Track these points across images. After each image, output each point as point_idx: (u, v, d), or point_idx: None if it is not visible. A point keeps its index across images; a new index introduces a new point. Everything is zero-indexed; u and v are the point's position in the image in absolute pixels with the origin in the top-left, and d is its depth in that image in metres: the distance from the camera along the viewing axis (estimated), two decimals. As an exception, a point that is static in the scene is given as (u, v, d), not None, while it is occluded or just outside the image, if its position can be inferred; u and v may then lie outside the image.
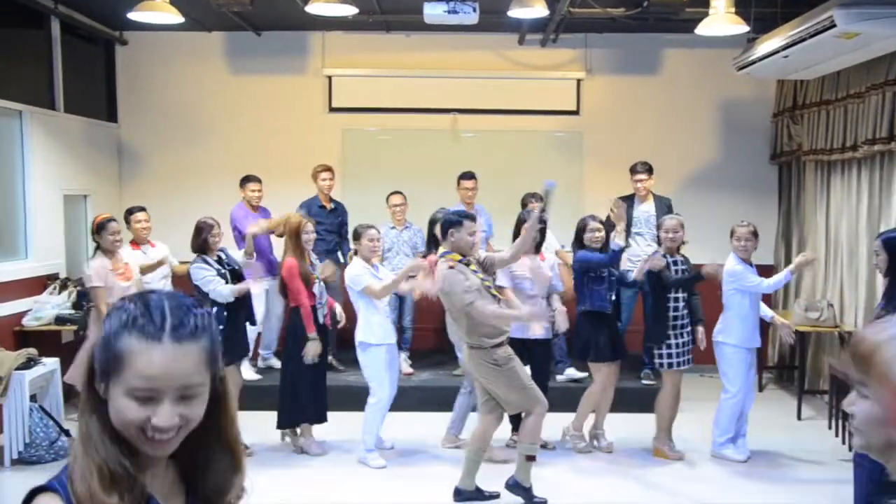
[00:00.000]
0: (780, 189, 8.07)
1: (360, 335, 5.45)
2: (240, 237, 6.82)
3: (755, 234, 5.43)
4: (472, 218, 4.74)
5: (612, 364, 5.58)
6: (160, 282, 6.22)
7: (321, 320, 5.48)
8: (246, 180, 6.94)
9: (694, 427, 5.88)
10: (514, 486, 4.72)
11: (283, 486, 5.03)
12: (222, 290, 5.32)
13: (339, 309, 5.82)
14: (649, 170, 6.87)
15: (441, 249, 4.84)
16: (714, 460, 5.52)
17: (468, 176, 6.96)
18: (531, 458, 4.71)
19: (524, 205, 6.72)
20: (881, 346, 1.23)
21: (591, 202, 7.27)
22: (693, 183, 7.94)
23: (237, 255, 5.75)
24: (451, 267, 4.55)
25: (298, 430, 5.66)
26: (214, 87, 7.97)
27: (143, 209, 6.49)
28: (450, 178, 7.06)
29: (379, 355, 5.38)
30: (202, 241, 5.45)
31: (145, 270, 6.13)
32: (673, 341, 5.39)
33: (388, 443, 5.67)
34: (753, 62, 6.28)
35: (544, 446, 5.49)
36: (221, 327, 5.33)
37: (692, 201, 7.64)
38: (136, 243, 6.40)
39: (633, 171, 6.91)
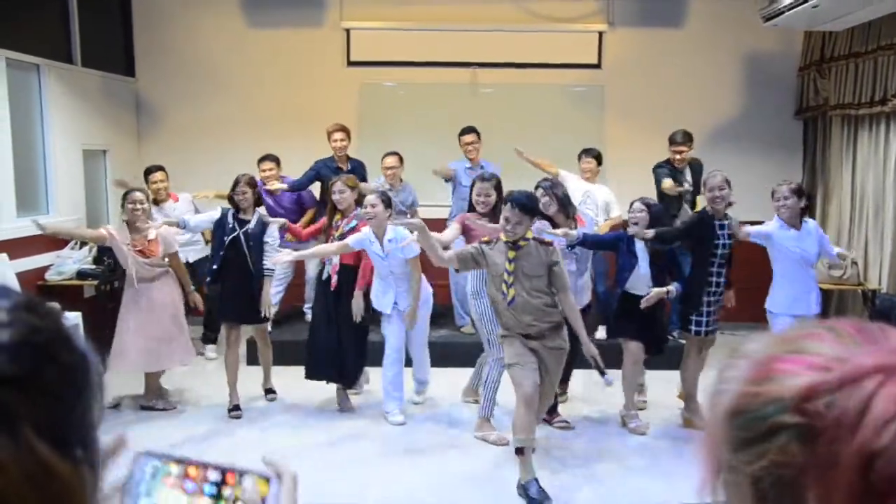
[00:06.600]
0: (805, 145, 7.91)
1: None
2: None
3: (796, 192, 4.92)
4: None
5: (632, 340, 5.14)
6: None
7: (324, 276, 5.45)
8: (259, 161, 6.71)
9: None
10: (519, 487, 4.28)
11: (303, 440, 5.11)
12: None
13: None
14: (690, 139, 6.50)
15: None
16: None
17: (467, 130, 6.79)
18: (519, 452, 4.19)
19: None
20: None
21: (612, 158, 7.16)
22: (716, 138, 7.80)
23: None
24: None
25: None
26: (232, 41, 7.89)
27: (160, 168, 6.48)
28: (469, 133, 6.95)
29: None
30: (229, 195, 5.50)
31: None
32: (709, 308, 5.14)
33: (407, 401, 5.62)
34: (781, 12, 6.11)
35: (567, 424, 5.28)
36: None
37: (715, 157, 7.50)
38: (154, 202, 6.28)
39: (673, 141, 6.51)
